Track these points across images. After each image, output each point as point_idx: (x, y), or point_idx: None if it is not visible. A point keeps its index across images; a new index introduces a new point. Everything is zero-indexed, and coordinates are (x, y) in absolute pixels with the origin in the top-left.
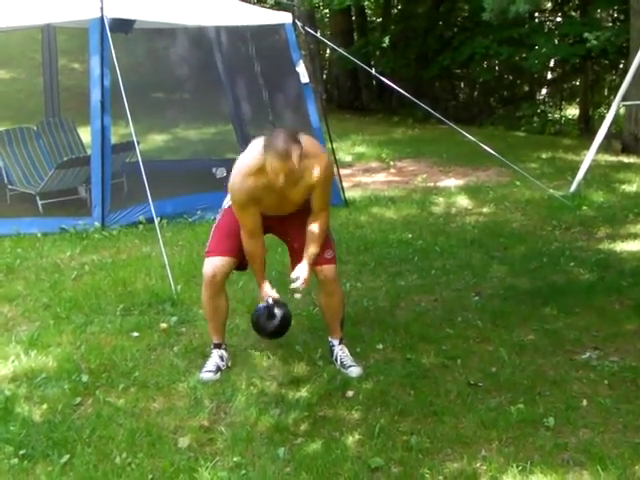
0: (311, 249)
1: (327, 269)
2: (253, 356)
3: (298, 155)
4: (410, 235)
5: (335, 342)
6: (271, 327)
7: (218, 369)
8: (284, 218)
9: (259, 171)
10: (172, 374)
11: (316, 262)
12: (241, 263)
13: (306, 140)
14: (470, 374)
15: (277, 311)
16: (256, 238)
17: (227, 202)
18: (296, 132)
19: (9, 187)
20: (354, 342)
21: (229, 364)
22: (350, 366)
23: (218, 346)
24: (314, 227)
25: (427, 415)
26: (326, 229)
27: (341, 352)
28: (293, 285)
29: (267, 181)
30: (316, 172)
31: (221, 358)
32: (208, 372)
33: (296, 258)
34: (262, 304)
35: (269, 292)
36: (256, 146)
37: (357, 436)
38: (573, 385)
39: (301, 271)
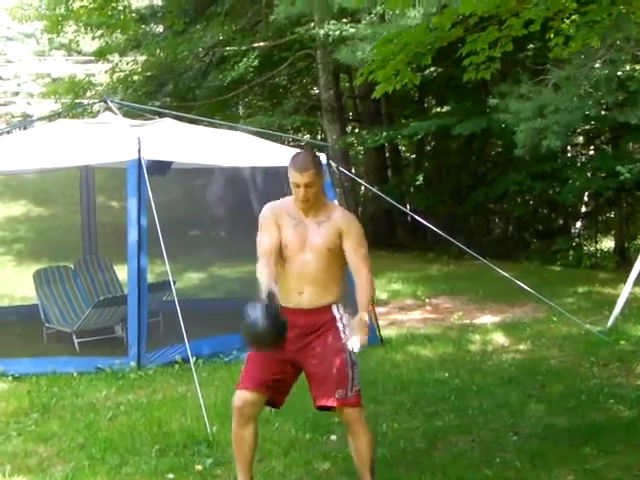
0: (362, 299)
1: (344, 411)
2: None
3: (316, 169)
4: (447, 374)
5: None
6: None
7: None
8: (304, 347)
9: (287, 200)
10: None
11: (330, 404)
12: (273, 399)
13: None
14: None
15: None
16: (269, 258)
17: None
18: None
19: (46, 325)
20: None
21: None
22: None
23: None
24: (358, 279)
25: None
26: (370, 282)
27: None
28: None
29: (292, 208)
30: (343, 217)
31: None
32: None
33: (311, 388)
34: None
35: (272, 288)
36: None
37: None
38: None
39: (353, 329)
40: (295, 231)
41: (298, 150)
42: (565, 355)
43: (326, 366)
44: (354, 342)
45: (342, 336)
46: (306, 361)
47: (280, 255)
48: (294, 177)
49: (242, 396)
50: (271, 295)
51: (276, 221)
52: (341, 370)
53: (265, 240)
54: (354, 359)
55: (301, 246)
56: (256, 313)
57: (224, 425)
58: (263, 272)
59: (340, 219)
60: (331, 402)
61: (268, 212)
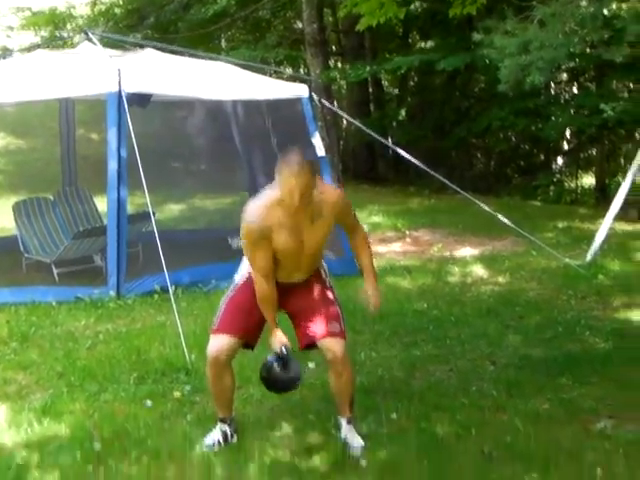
0: (364, 260)
1: (333, 344)
2: (266, 425)
3: (313, 171)
4: (425, 304)
5: (343, 422)
6: (286, 379)
7: (218, 443)
8: (291, 288)
9: (272, 205)
10: (185, 443)
11: (321, 335)
12: (248, 343)
13: (318, 180)
14: (485, 444)
15: (292, 363)
16: (268, 279)
17: (240, 277)
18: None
19: (25, 256)
20: (368, 412)
21: (234, 439)
22: (353, 447)
23: (223, 420)
24: (356, 242)
25: None
26: (367, 240)
27: (349, 433)
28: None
29: (281, 215)
30: (334, 206)
31: (224, 433)
32: (206, 446)
33: (298, 326)
34: (271, 356)
35: (282, 340)
36: (268, 189)
37: None
38: (588, 455)
39: (368, 290)
40: (287, 242)
41: (280, 82)
42: (543, 288)
43: (316, 302)
44: (371, 305)
45: (326, 281)
46: (291, 301)
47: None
48: (289, 182)
49: (217, 342)
50: (287, 350)
51: (267, 236)
52: (331, 306)
53: (260, 258)
54: (338, 299)
55: (298, 248)
56: (273, 364)
57: (202, 353)
58: (268, 305)
59: (331, 208)
60: (323, 333)
61: (255, 229)
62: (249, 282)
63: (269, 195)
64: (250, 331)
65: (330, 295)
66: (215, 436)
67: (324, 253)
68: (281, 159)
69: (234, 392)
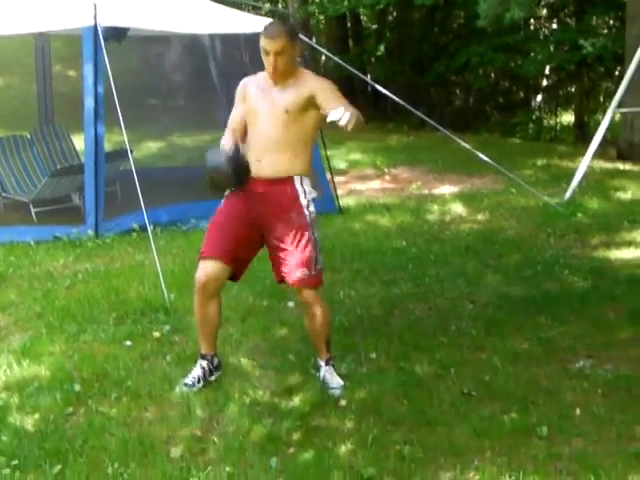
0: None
1: (302, 291)
2: (246, 365)
3: (288, 38)
4: (404, 243)
5: (322, 363)
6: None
7: (198, 381)
8: (270, 218)
9: (258, 75)
10: (164, 383)
11: (291, 279)
12: (233, 271)
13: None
14: (463, 383)
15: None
16: (232, 132)
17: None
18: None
19: (2, 195)
20: (347, 351)
21: (213, 377)
22: (332, 388)
23: (203, 357)
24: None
25: (420, 425)
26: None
27: (327, 374)
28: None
29: (261, 81)
30: (314, 79)
31: (204, 370)
32: (185, 385)
33: (273, 263)
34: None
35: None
36: None
37: (350, 446)
38: (566, 394)
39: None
40: (256, 98)
41: (259, 17)
42: (522, 226)
43: (289, 243)
44: (338, 113)
45: (306, 213)
46: (270, 234)
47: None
48: (264, 43)
49: (205, 268)
50: (236, 145)
51: (244, 94)
52: (305, 248)
53: (233, 115)
54: (317, 236)
55: (261, 112)
56: (219, 157)
57: (182, 292)
58: (226, 139)
59: (310, 81)
60: (292, 280)
61: (240, 87)
62: (227, 201)
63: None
64: (234, 251)
65: (306, 235)
66: (195, 373)
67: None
68: (264, 26)
69: (219, 327)
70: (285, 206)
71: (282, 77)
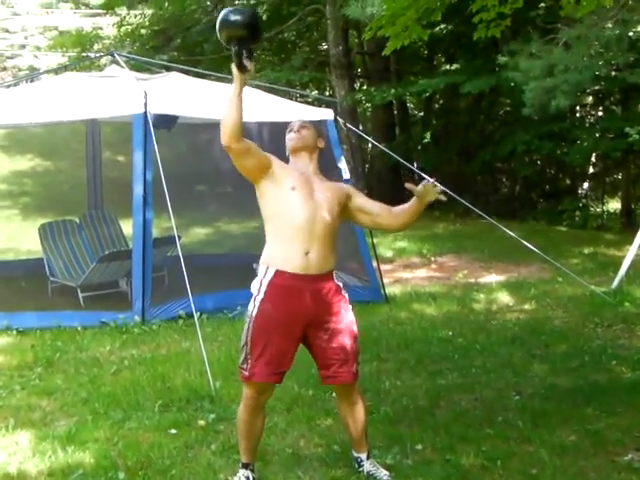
0: (405, 206)
1: (346, 388)
2: (291, 455)
3: (315, 129)
4: (450, 332)
5: (363, 457)
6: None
7: None
8: (320, 315)
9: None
10: (209, 473)
11: (340, 379)
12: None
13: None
14: (510, 476)
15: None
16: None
17: (253, 307)
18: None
19: (51, 279)
20: (392, 442)
21: None
22: (382, 479)
23: (246, 466)
24: (394, 209)
25: None
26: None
27: (373, 468)
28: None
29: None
30: (342, 185)
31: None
32: None
33: (326, 357)
34: None
35: None
36: None
37: None
38: None
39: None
40: (300, 177)
41: (306, 106)
42: (569, 316)
43: (338, 342)
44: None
45: (349, 306)
46: (316, 335)
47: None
48: (289, 125)
49: (256, 388)
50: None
51: (271, 159)
52: (353, 346)
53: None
54: (357, 330)
55: (309, 192)
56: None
57: (227, 381)
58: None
59: (340, 185)
60: (350, 379)
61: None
62: (274, 305)
63: None
64: (286, 367)
65: (355, 329)
66: None
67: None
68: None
69: (261, 436)
70: (333, 302)
71: (306, 153)
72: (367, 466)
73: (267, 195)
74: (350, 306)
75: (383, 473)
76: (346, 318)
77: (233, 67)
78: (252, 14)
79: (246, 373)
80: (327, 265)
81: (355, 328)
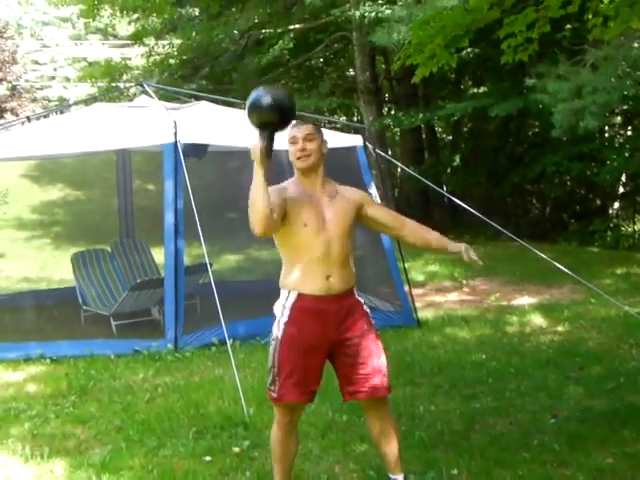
0: (429, 235)
1: (383, 403)
2: None
3: (316, 129)
4: (484, 356)
5: (400, 477)
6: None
7: None
8: (344, 334)
9: (287, 183)
10: None
11: (365, 391)
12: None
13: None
14: None
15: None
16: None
17: (276, 329)
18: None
19: (83, 308)
20: (428, 467)
21: None
22: None
23: None
24: (411, 227)
25: None
26: (398, 215)
27: None
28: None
29: (298, 186)
30: (355, 191)
31: None
32: None
33: (353, 373)
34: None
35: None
36: None
37: None
38: None
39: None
40: (310, 207)
41: (334, 132)
42: (603, 337)
43: (365, 357)
44: (470, 253)
45: (372, 321)
46: (341, 352)
47: (291, 239)
48: (291, 133)
49: (287, 408)
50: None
51: (282, 195)
52: (380, 359)
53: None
54: (382, 344)
55: (320, 224)
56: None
57: (261, 407)
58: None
59: (352, 192)
60: (381, 392)
61: (274, 190)
62: (297, 326)
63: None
64: (315, 386)
65: (380, 343)
66: None
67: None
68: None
69: (295, 458)
70: (356, 318)
71: (319, 179)
72: None
73: (280, 234)
74: (373, 321)
75: None
76: (370, 332)
77: (256, 149)
78: (286, 97)
79: (275, 395)
80: (348, 283)
81: (380, 342)
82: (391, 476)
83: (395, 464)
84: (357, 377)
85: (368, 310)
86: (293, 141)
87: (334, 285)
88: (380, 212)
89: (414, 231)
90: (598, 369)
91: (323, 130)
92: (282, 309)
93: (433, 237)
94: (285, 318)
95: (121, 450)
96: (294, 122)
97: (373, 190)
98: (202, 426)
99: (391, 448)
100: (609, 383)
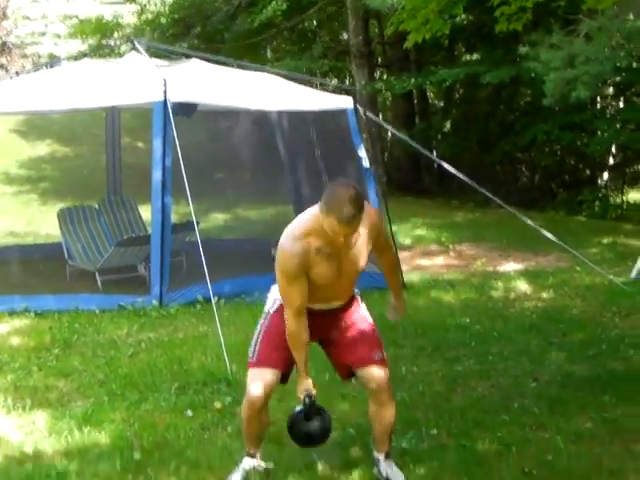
0: (394, 279)
1: (377, 375)
2: None
3: (362, 213)
4: (468, 320)
5: (381, 457)
6: (311, 432)
7: (244, 479)
8: (328, 320)
9: (313, 232)
10: (224, 455)
11: (364, 363)
12: (283, 375)
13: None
14: (525, 462)
15: (317, 415)
16: (301, 317)
17: (272, 304)
18: (356, 186)
19: (69, 263)
20: (408, 427)
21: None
22: None
23: (252, 455)
24: (387, 262)
25: None
26: (395, 262)
27: (388, 469)
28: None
29: (321, 244)
30: (370, 226)
31: (253, 468)
32: None
33: (337, 354)
34: (299, 407)
35: (309, 388)
36: (309, 210)
37: None
38: (630, 476)
39: (396, 301)
40: (330, 268)
41: (326, 94)
42: (587, 304)
43: (356, 331)
44: (396, 314)
45: (363, 306)
46: (331, 332)
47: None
48: (336, 228)
49: (260, 379)
50: (311, 400)
51: (305, 268)
52: (373, 333)
53: (297, 295)
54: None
55: (336, 275)
56: (299, 416)
57: (243, 364)
58: (298, 346)
59: (369, 230)
60: (373, 360)
61: (295, 264)
62: (274, 323)
63: (311, 221)
64: (289, 364)
65: (369, 321)
66: (240, 474)
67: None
68: (331, 196)
69: (268, 428)
70: (351, 311)
71: None
72: (382, 466)
73: None
74: (364, 305)
75: (398, 475)
76: (359, 312)
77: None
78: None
79: (252, 360)
80: (350, 296)
81: (370, 320)
82: (374, 452)
83: (380, 443)
84: (355, 350)
85: (359, 295)
86: (339, 214)
87: (334, 305)
88: (379, 248)
89: (387, 265)
90: (581, 336)
91: (314, 94)
92: (274, 300)
93: (394, 281)
94: (275, 308)
95: (103, 403)
96: (343, 199)
97: (362, 153)
98: (184, 381)
99: (380, 430)
100: (591, 349)
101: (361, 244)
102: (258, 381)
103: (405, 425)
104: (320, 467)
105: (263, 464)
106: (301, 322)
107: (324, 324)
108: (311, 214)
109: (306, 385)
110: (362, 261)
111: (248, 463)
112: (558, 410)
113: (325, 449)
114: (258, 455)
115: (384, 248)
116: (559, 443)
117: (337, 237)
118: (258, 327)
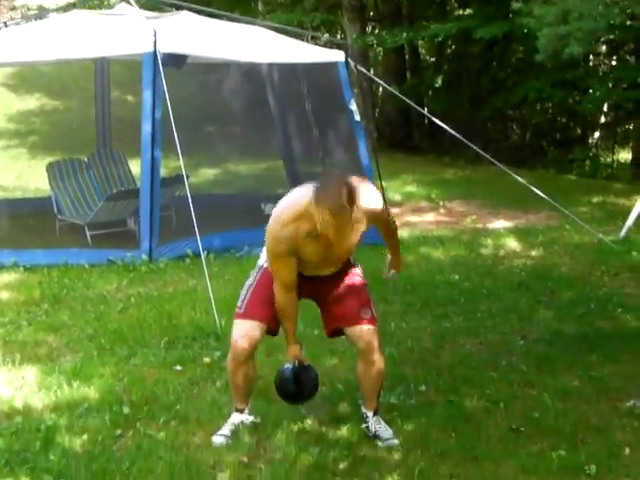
0: (390, 241)
1: (366, 332)
2: None
3: (353, 206)
4: (457, 276)
5: (369, 414)
6: (294, 391)
7: (233, 433)
8: (318, 281)
9: (302, 217)
10: (213, 409)
11: (352, 321)
12: (272, 329)
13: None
14: (512, 419)
15: (305, 375)
16: (291, 292)
17: (264, 260)
18: (350, 180)
19: (58, 217)
20: (396, 383)
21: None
22: (387, 439)
23: (240, 411)
24: (387, 231)
25: (467, 459)
26: (396, 228)
27: (377, 425)
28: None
29: (310, 229)
30: (368, 209)
31: (235, 428)
32: (220, 436)
33: (326, 311)
34: (288, 365)
35: (297, 354)
36: (300, 191)
37: (396, 477)
38: (616, 433)
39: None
40: (319, 244)
41: (317, 47)
42: (576, 263)
43: (346, 287)
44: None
45: (357, 269)
46: (321, 290)
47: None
48: (327, 220)
49: (246, 329)
50: (300, 364)
51: (293, 250)
52: (362, 291)
53: (285, 273)
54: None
55: (327, 253)
56: (287, 375)
57: (232, 319)
58: (287, 317)
59: (365, 212)
60: (361, 320)
61: (282, 247)
62: (266, 279)
63: (303, 204)
64: (275, 318)
65: (360, 280)
66: (230, 427)
67: None
68: (324, 188)
69: (255, 382)
70: (344, 275)
71: None
72: (371, 423)
73: None
74: (359, 269)
75: (388, 432)
76: (349, 270)
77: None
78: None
79: (239, 311)
80: (342, 264)
81: (362, 280)
82: (362, 409)
83: (368, 400)
84: (343, 309)
85: (352, 259)
86: (326, 225)
87: (325, 272)
88: (381, 223)
89: (387, 233)
90: (569, 294)
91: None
92: (264, 260)
93: (390, 245)
94: (267, 264)
95: (92, 358)
96: (333, 192)
97: (353, 107)
98: (174, 336)
99: (368, 388)
100: (579, 308)
101: (357, 226)
102: (243, 333)
103: (394, 381)
104: (309, 422)
105: (251, 418)
106: (290, 296)
107: (314, 286)
108: (303, 195)
109: (295, 351)
110: (355, 239)
111: (236, 418)
112: (546, 368)
113: (314, 404)
114: (246, 410)
115: (385, 222)
116: (546, 400)
117: (327, 227)
118: (250, 279)
